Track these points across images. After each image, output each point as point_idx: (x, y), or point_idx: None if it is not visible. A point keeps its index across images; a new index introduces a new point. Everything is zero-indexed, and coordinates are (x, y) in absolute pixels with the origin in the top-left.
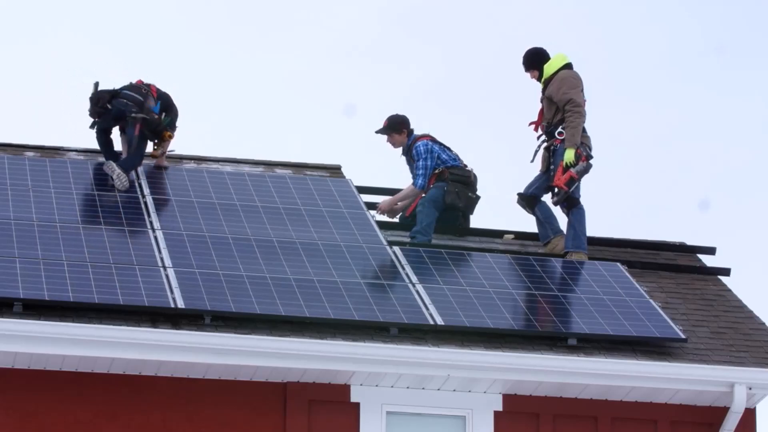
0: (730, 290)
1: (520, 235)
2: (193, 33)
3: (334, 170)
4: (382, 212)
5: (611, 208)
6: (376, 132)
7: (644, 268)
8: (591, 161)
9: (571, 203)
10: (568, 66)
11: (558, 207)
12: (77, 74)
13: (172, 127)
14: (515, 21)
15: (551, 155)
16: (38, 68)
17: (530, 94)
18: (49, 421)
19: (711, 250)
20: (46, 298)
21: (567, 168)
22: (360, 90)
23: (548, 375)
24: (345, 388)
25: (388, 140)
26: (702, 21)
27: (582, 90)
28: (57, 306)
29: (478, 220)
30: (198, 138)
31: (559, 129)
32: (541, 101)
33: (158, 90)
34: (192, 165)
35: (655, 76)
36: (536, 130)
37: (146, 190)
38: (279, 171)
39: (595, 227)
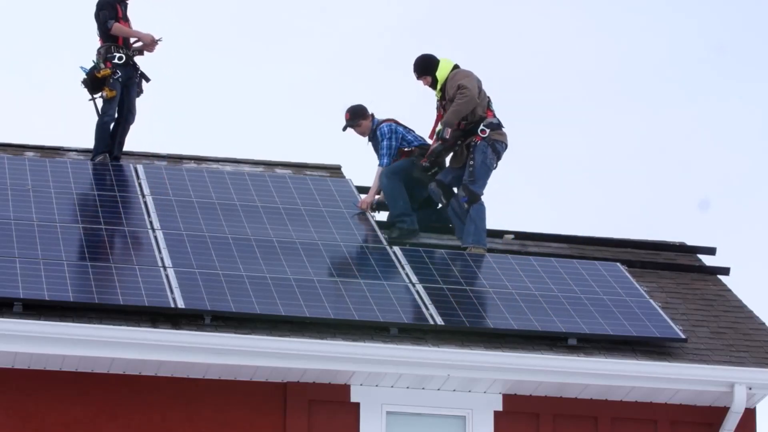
0: (730, 290)
1: (520, 235)
2: (193, 33)
3: (334, 170)
4: (365, 208)
5: (611, 208)
6: (343, 129)
7: (644, 268)
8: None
9: (472, 198)
10: (455, 67)
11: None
12: (77, 73)
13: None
14: (515, 21)
15: (470, 152)
16: (38, 68)
17: (530, 94)
18: (49, 421)
19: (711, 250)
20: (46, 298)
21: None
22: (360, 90)
23: (548, 375)
24: (345, 388)
25: (357, 131)
26: (702, 21)
27: (477, 81)
28: (57, 306)
29: None
30: (198, 138)
31: (481, 126)
32: (442, 107)
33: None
34: (192, 165)
35: (655, 76)
36: (431, 136)
37: (146, 190)
38: (279, 171)
39: (595, 227)
